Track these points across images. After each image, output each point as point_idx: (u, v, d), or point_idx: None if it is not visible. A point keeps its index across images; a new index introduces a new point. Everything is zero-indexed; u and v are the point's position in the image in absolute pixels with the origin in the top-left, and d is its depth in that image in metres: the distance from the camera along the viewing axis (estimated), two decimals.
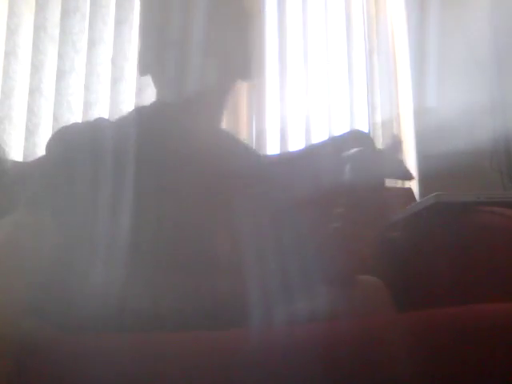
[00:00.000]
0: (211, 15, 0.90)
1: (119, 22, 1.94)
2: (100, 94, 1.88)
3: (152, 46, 0.97)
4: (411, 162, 2.05)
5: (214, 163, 0.92)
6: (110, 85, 1.88)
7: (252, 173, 0.96)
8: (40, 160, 1.43)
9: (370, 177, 0.87)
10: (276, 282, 0.89)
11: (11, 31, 1.84)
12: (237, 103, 1.97)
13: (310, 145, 1.90)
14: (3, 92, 1.80)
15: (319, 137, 2.00)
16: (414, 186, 1.97)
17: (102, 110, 1.87)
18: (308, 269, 0.93)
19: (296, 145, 1.99)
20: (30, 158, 1.76)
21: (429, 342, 0.68)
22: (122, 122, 1.02)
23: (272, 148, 1.97)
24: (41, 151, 1.80)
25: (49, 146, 1.12)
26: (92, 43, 1.90)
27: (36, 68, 1.84)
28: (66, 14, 1.89)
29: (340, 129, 2.04)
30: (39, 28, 1.86)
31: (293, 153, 1.82)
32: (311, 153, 1.64)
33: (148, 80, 1.05)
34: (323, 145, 1.66)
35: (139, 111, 1.04)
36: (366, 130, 2.10)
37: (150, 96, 1.46)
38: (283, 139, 1.99)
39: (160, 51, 0.94)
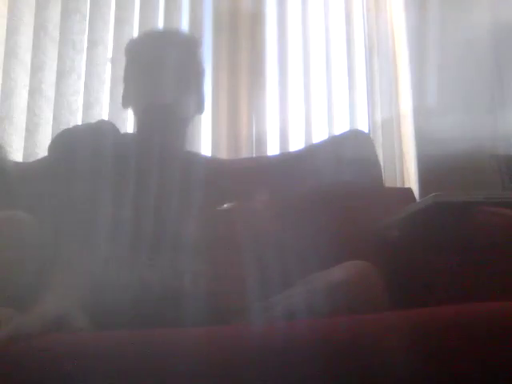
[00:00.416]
0: (175, 72, 1.16)
1: (119, 22, 1.94)
2: (100, 93, 1.88)
3: (131, 90, 1.25)
4: (411, 162, 2.05)
5: (179, 171, 1.16)
6: (110, 85, 1.88)
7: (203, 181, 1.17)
8: (42, 162, 1.44)
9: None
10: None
11: (11, 31, 1.84)
12: (237, 103, 1.97)
13: (311, 144, 1.90)
14: (3, 92, 1.80)
15: (319, 136, 2.00)
16: (413, 185, 1.97)
17: (101, 110, 1.87)
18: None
19: (296, 144, 1.99)
20: (30, 158, 1.76)
21: (428, 339, 0.68)
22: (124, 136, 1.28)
23: (272, 148, 1.97)
24: (41, 151, 1.80)
25: (51, 149, 1.24)
26: (92, 43, 1.90)
27: (36, 68, 1.84)
28: (66, 14, 1.89)
29: (340, 129, 2.03)
30: (39, 28, 1.86)
31: (292, 152, 1.83)
32: (312, 152, 1.65)
33: None
34: (323, 144, 1.66)
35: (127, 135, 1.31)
36: (366, 130, 2.10)
37: None
38: (283, 139, 1.99)
39: (136, 95, 1.23)
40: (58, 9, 1.90)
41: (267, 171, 1.55)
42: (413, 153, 2.05)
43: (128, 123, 1.83)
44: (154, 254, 1.04)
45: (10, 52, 1.83)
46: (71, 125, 1.83)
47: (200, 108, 1.29)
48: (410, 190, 1.69)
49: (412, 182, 2.02)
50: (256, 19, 2.04)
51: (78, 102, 1.86)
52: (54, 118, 1.82)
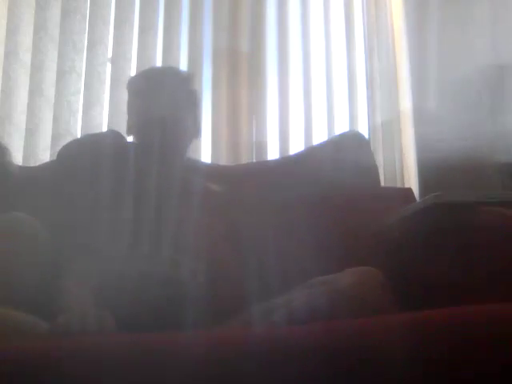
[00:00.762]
0: (171, 100, 1.29)
1: (119, 22, 1.94)
2: (100, 93, 1.88)
3: (133, 121, 1.36)
4: (411, 162, 2.05)
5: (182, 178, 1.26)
6: (110, 85, 1.89)
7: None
8: (49, 168, 1.47)
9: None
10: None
11: (11, 31, 1.84)
12: (237, 103, 1.97)
13: (308, 147, 1.90)
14: (3, 92, 1.80)
15: (319, 137, 2.00)
16: (413, 186, 1.97)
17: (101, 110, 1.87)
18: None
19: (296, 145, 1.99)
20: (30, 158, 1.76)
21: (428, 341, 0.68)
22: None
23: (272, 148, 1.97)
24: (41, 151, 1.80)
25: (60, 158, 1.39)
26: (92, 43, 1.90)
27: (36, 68, 1.84)
28: (66, 14, 1.89)
29: (340, 129, 2.03)
30: (39, 28, 1.86)
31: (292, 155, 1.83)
32: (309, 155, 1.65)
33: None
34: (320, 147, 1.67)
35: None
36: (366, 131, 2.10)
37: None
38: (283, 139, 1.99)
39: (139, 125, 1.35)
40: (58, 9, 1.90)
41: (267, 175, 1.56)
42: (413, 153, 2.05)
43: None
44: (159, 251, 1.06)
45: (10, 52, 1.83)
46: (71, 125, 1.83)
47: (197, 133, 1.42)
48: (410, 190, 1.69)
49: (412, 182, 2.02)
50: (256, 19, 2.04)
51: (78, 102, 1.86)
52: (54, 118, 1.82)
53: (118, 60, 1.91)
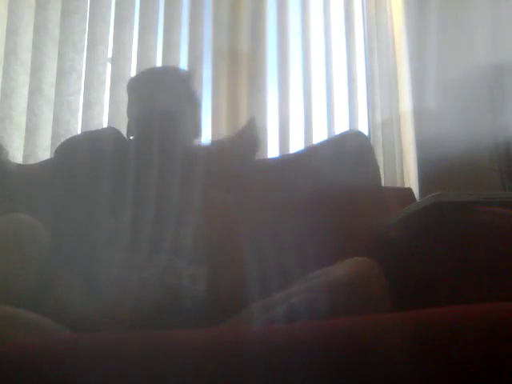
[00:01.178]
0: (171, 99, 1.30)
1: (119, 22, 1.94)
2: (100, 93, 1.88)
3: (133, 121, 1.36)
4: (411, 162, 2.06)
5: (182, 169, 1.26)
6: (110, 85, 1.89)
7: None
8: (46, 166, 1.46)
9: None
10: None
11: (11, 31, 1.84)
12: (237, 103, 1.97)
13: (309, 146, 1.90)
14: (3, 92, 1.80)
15: (319, 137, 2.00)
16: (413, 186, 1.97)
17: (101, 110, 1.87)
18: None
19: (296, 145, 1.99)
20: (30, 158, 1.76)
21: (427, 340, 0.68)
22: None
23: (272, 148, 1.98)
24: (41, 151, 1.80)
25: (57, 155, 1.35)
26: (92, 43, 1.90)
27: (36, 68, 1.84)
28: (66, 14, 1.89)
29: (340, 128, 2.03)
30: (39, 28, 1.86)
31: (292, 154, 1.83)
32: (310, 154, 1.65)
33: None
34: (321, 146, 1.67)
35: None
36: (366, 131, 2.10)
37: None
38: (283, 139, 1.99)
39: (138, 124, 1.34)
40: (58, 9, 1.90)
41: (267, 173, 1.56)
42: (413, 153, 2.05)
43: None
44: (157, 254, 1.06)
45: (10, 52, 1.83)
46: (71, 125, 1.83)
47: (197, 132, 1.42)
48: (410, 190, 1.69)
49: (412, 182, 2.02)
50: (256, 19, 2.04)
51: (78, 102, 1.86)
52: (54, 118, 1.82)
53: (117, 60, 1.91)
